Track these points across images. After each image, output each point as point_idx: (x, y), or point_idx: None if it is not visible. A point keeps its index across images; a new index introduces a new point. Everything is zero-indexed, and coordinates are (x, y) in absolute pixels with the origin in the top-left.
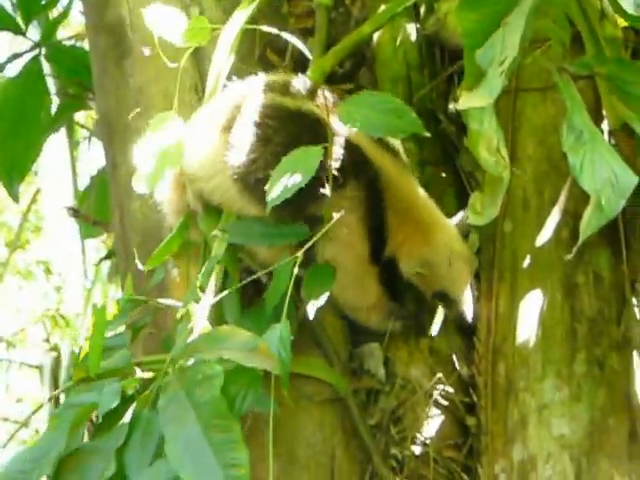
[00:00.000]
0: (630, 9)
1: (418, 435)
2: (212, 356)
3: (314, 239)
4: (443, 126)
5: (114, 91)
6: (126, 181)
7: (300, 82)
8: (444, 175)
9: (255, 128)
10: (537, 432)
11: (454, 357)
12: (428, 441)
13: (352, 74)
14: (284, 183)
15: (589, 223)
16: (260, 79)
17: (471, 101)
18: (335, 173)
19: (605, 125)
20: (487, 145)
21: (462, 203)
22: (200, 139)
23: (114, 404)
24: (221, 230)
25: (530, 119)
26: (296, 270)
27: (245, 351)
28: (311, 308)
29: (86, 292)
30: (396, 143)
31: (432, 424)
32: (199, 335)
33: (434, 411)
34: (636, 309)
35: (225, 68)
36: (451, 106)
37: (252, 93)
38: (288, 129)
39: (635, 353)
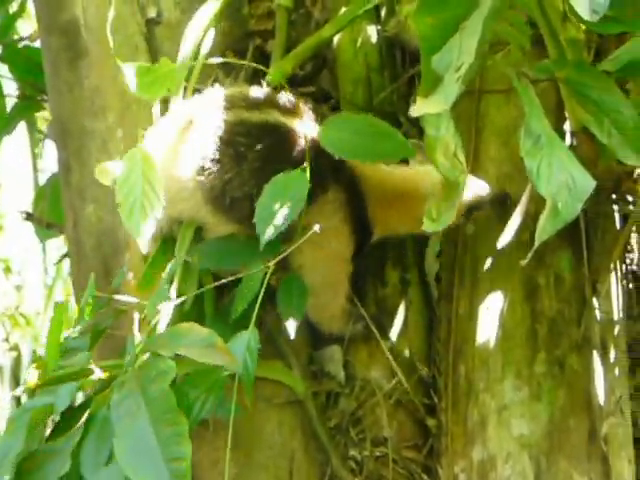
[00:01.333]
0: (585, 15)
1: (378, 436)
2: (168, 352)
3: (289, 249)
4: (404, 128)
5: (68, 93)
6: (79, 184)
7: (259, 92)
8: None
9: (225, 147)
10: (497, 432)
11: (414, 358)
12: (388, 442)
13: (313, 76)
14: (275, 214)
15: (545, 227)
16: (217, 95)
17: (426, 107)
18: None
19: (568, 126)
20: (444, 150)
21: None
22: (160, 164)
23: (67, 404)
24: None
25: (493, 120)
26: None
27: (202, 347)
28: (291, 327)
29: (47, 290)
30: None
31: (392, 425)
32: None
33: (394, 412)
34: (596, 310)
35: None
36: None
37: (212, 110)
38: (261, 144)
39: (595, 353)
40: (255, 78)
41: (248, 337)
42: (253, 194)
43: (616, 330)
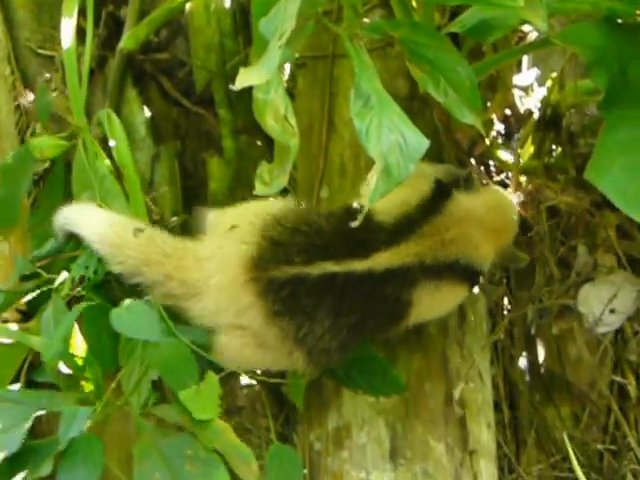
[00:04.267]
0: None
1: (232, 405)
2: (207, 441)
3: None
4: None
5: None
6: None
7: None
8: (259, 143)
9: (293, 303)
10: (352, 399)
11: None
12: (242, 411)
13: (168, 43)
14: None
15: (377, 188)
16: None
17: (249, 78)
18: None
19: None
20: (274, 114)
21: None
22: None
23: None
24: None
25: (348, 85)
26: None
27: (240, 461)
28: None
29: None
30: None
31: (246, 394)
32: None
33: (248, 381)
34: None
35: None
36: None
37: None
38: (326, 301)
39: (453, 317)
40: (108, 45)
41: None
42: (331, 349)
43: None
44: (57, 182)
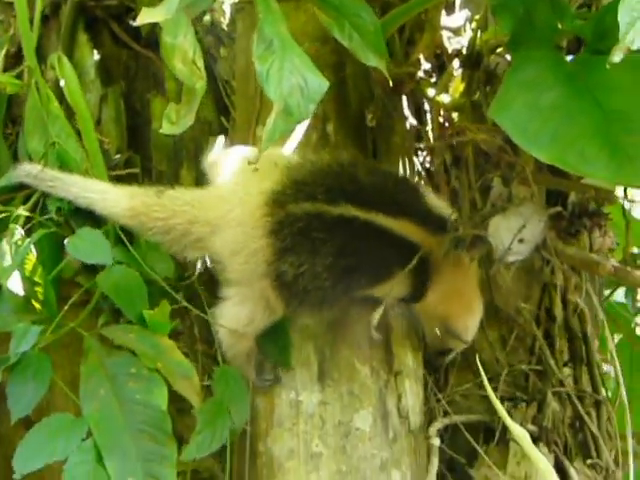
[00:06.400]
0: None
1: (170, 331)
2: (149, 362)
3: None
4: (199, 37)
5: None
6: None
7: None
8: None
9: (303, 238)
10: None
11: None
12: (180, 337)
13: None
14: None
15: (275, 126)
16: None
17: (148, 16)
18: None
19: None
20: (182, 57)
21: (219, 109)
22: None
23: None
24: None
25: None
26: None
27: (180, 376)
28: None
29: None
30: None
31: (184, 322)
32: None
33: (184, 308)
34: None
35: None
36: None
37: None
38: (335, 239)
39: None
40: None
41: None
42: (325, 287)
43: None
44: None
